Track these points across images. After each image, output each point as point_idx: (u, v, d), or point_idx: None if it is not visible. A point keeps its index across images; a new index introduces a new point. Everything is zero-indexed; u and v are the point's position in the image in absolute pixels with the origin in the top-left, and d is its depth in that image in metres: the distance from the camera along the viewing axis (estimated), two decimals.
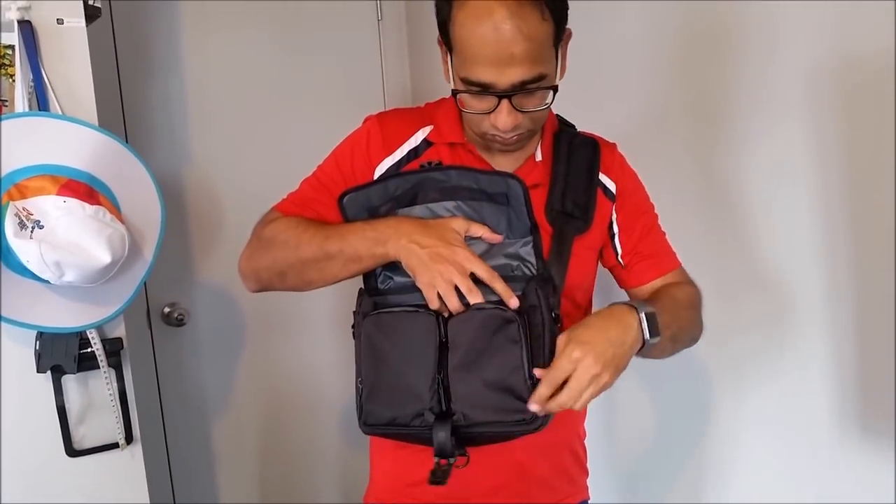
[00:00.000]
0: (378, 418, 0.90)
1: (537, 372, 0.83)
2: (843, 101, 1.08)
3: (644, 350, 0.88)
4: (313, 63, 2.11)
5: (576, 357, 0.81)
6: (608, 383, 0.83)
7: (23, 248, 1.09)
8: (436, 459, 0.86)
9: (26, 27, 1.20)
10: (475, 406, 0.85)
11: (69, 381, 1.28)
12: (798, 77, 1.13)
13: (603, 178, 1.03)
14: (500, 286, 0.86)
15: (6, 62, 1.21)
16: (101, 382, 1.29)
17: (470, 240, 0.90)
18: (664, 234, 1.09)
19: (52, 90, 1.23)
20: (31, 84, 1.21)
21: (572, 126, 1.08)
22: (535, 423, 0.85)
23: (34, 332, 1.23)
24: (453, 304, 0.85)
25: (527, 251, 0.90)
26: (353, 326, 0.94)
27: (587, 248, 1.02)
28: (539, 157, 1.02)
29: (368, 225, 0.91)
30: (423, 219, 0.91)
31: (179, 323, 1.96)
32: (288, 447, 2.15)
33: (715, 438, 1.38)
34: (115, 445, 1.32)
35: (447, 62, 0.92)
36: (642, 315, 0.87)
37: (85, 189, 1.17)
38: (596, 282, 1.08)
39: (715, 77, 1.29)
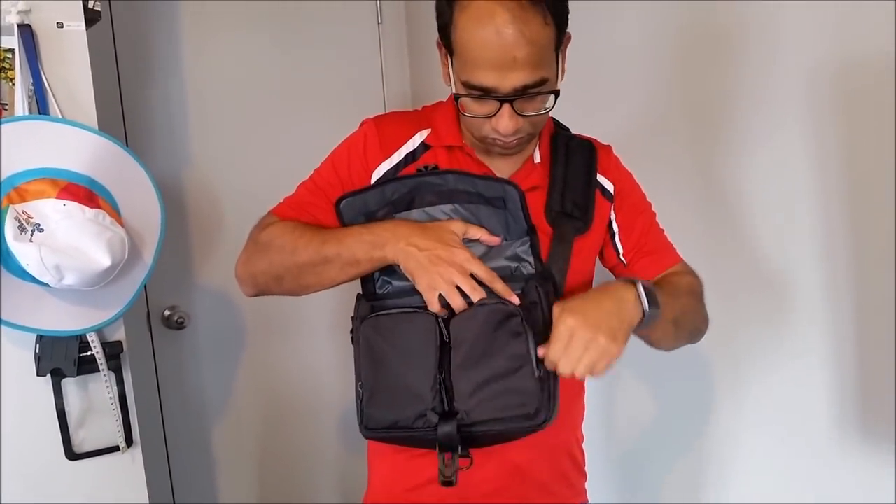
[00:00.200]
0: (380, 422, 0.89)
1: (540, 350, 0.83)
2: (843, 103, 1.08)
3: (645, 324, 0.88)
4: (313, 65, 2.11)
5: (569, 324, 0.82)
6: (608, 351, 0.82)
7: (23, 251, 1.09)
8: (440, 457, 0.85)
9: (26, 31, 1.20)
10: (478, 404, 0.85)
11: (69, 384, 1.28)
12: (798, 78, 1.13)
13: (601, 178, 1.03)
14: (500, 286, 0.86)
15: (6, 66, 1.21)
16: (101, 386, 1.29)
17: (468, 242, 0.90)
18: (663, 230, 1.09)
19: (52, 94, 1.23)
20: (31, 87, 1.21)
21: (566, 129, 1.08)
22: (539, 419, 0.84)
23: (34, 336, 1.22)
24: (457, 303, 0.85)
25: (524, 251, 0.91)
26: (351, 332, 0.94)
27: (587, 248, 1.02)
28: (537, 159, 1.02)
29: (366, 228, 0.91)
30: (421, 222, 0.91)
31: (180, 326, 1.96)
32: (288, 450, 2.15)
33: (715, 439, 1.38)
34: (115, 449, 1.32)
35: (447, 65, 0.92)
36: (640, 287, 0.87)
37: (85, 192, 1.17)
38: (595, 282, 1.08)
39: (715, 78, 1.29)
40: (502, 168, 0.99)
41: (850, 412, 1.13)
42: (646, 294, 0.87)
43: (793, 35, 1.13)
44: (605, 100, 1.52)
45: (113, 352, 1.29)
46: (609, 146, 1.08)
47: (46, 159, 1.17)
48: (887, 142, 1.01)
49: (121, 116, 1.86)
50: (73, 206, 1.13)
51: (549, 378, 0.85)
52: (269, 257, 0.97)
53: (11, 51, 1.20)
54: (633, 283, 0.88)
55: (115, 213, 1.22)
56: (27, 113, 1.20)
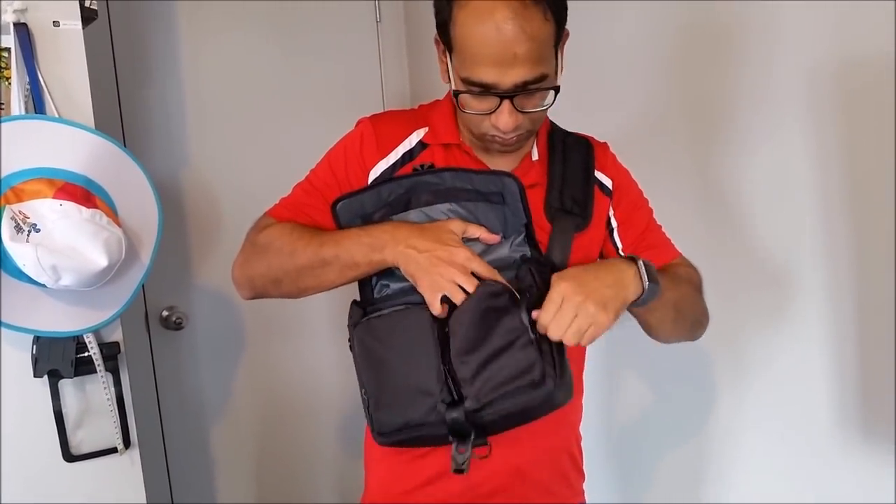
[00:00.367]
0: (390, 425, 0.88)
1: (534, 314, 0.83)
2: (843, 102, 1.08)
3: (644, 301, 0.88)
4: (312, 65, 2.11)
5: (562, 288, 0.82)
6: (597, 319, 0.82)
7: (19, 251, 1.08)
8: (453, 444, 0.85)
9: (22, 30, 1.20)
10: (483, 385, 0.83)
11: (66, 385, 1.28)
12: (798, 78, 1.13)
13: (599, 175, 1.03)
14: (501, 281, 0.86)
15: (2, 65, 1.20)
16: (99, 387, 1.29)
17: (467, 241, 0.89)
18: (661, 226, 1.10)
19: (49, 93, 1.22)
20: (28, 87, 1.20)
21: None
22: (547, 385, 0.82)
23: (31, 337, 1.22)
24: (461, 301, 0.85)
25: (520, 241, 0.91)
26: (349, 340, 0.93)
27: (587, 244, 1.02)
28: (535, 156, 1.01)
29: (364, 231, 0.90)
30: (419, 223, 0.90)
31: (178, 326, 1.95)
32: (286, 451, 2.15)
33: (715, 438, 1.38)
34: (113, 450, 1.31)
35: (445, 62, 0.91)
36: (640, 263, 0.88)
37: (81, 192, 1.17)
38: None
39: (715, 78, 1.29)
40: (500, 166, 0.99)
41: (851, 412, 1.12)
42: (646, 271, 0.87)
43: (793, 35, 1.13)
44: (605, 99, 1.51)
45: (110, 353, 1.29)
46: (605, 143, 1.08)
47: (43, 159, 1.16)
48: (887, 141, 1.01)
49: (118, 116, 1.85)
50: (70, 206, 1.13)
51: (548, 343, 0.84)
52: (267, 260, 0.96)
53: (7, 50, 1.20)
54: (634, 260, 0.89)
55: (112, 213, 1.21)
56: (23, 112, 1.19)
